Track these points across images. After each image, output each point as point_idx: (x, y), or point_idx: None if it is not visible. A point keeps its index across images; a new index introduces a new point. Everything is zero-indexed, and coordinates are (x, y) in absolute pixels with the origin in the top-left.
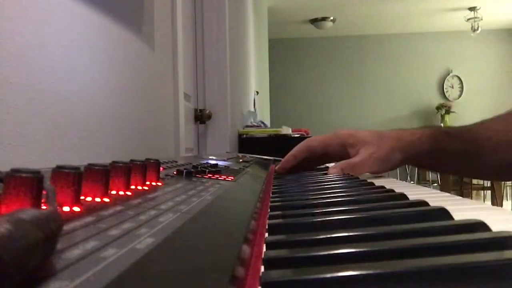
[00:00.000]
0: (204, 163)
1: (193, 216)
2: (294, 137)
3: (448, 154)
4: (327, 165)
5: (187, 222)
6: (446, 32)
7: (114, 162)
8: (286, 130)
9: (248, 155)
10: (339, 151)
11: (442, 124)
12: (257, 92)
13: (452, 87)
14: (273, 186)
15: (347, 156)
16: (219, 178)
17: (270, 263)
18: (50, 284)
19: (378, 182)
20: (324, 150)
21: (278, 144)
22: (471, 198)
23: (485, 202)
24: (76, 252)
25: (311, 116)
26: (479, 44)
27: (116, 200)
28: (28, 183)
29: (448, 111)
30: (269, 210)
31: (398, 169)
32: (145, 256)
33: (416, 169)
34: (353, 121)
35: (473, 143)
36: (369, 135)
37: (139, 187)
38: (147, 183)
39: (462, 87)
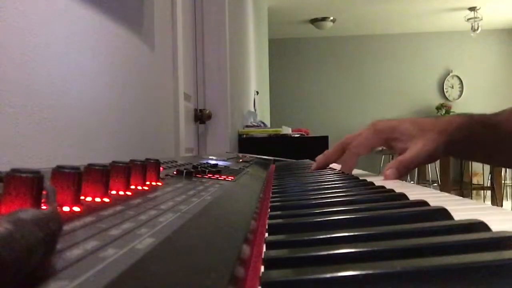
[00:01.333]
0: (204, 163)
1: (193, 216)
2: (294, 137)
3: (482, 144)
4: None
5: (187, 222)
6: (446, 32)
7: (114, 162)
8: (286, 130)
9: (248, 155)
10: (382, 144)
11: None
12: (257, 92)
13: (452, 87)
14: (273, 186)
15: (390, 149)
16: (219, 178)
17: (270, 263)
18: (50, 284)
19: (378, 182)
20: (369, 151)
21: (278, 144)
22: (471, 198)
23: (485, 202)
24: (76, 252)
25: (311, 116)
26: (479, 44)
27: (116, 200)
28: (28, 183)
29: (448, 111)
30: (269, 210)
31: None
32: (145, 256)
33: (416, 169)
34: (353, 121)
35: (507, 134)
36: (411, 127)
37: (139, 187)
38: (147, 183)
39: (462, 87)
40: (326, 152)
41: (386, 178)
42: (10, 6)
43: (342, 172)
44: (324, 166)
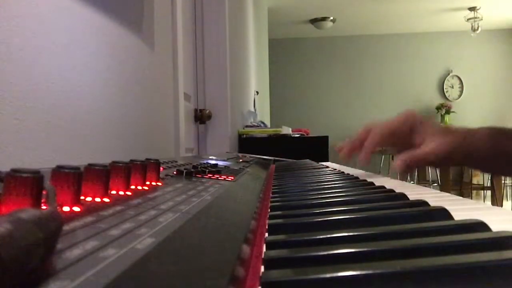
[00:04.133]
0: (204, 163)
1: (193, 216)
2: (294, 137)
3: (505, 155)
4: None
5: (187, 222)
6: (446, 32)
7: (114, 162)
8: (286, 130)
9: (248, 155)
10: (406, 135)
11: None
12: (257, 92)
13: (452, 87)
14: (273, 186)
15: (410, 139)
16: (219, 178)
17: (270, 263)
18: (50, 284)
19: (378, 182)
20: (393, 132)
21: (278, 144)
22: (471, 198)
23: (485, 202)
24: (76, 252)
25: (311, 116)
26: (479, 44)
27: (116, 200)
28: (28, 183)
29: (448, 111)
30: (269, 210)
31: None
32: (145, 256)
33: (416, 168)
34: (353, 121)
35: None
36: (435, 126)
37: (139, 187)
38: (147, 183)
39: (462, 87)
40: (350, 139)
41: (394, 168)
42: (11, 6)
43: (342, 172)
44: (351, 151)
